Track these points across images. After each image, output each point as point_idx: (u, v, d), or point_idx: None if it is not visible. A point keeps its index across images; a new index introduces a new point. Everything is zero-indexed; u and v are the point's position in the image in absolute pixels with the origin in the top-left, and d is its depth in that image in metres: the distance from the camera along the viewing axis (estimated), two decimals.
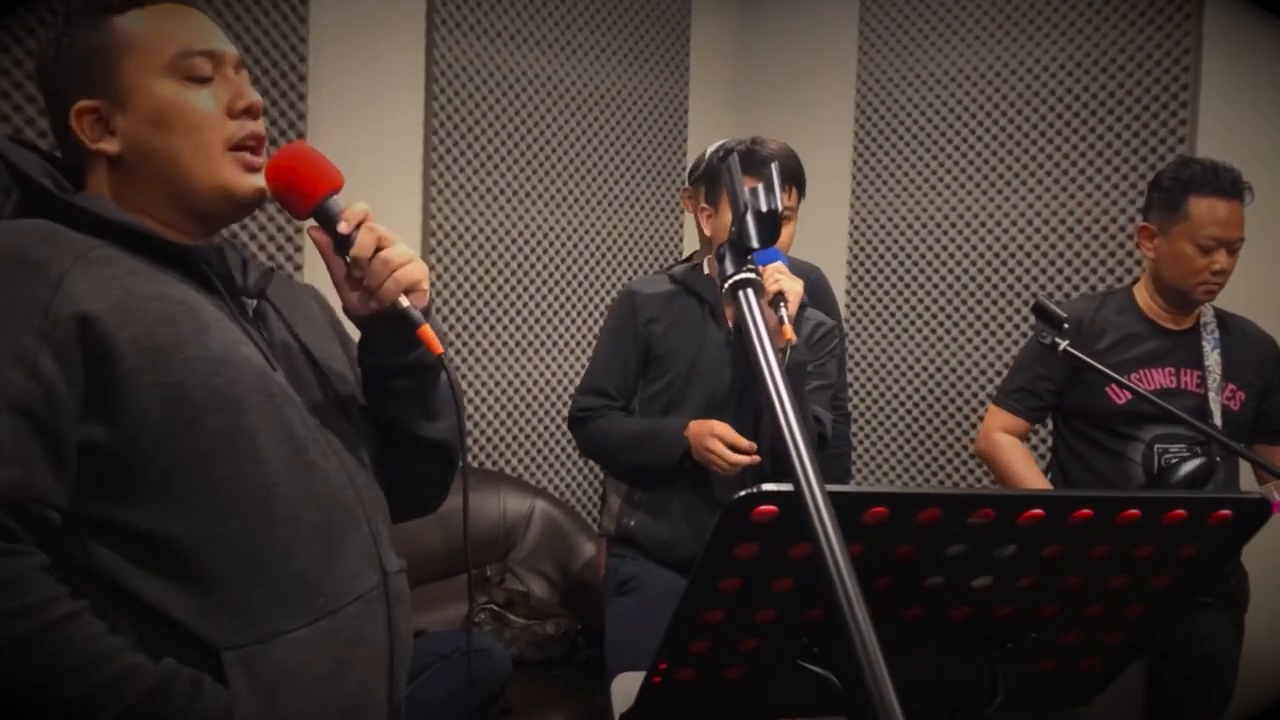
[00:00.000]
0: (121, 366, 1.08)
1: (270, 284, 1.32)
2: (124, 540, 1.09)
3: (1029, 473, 2.47)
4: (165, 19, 1.21)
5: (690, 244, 3.91)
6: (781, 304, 1.99)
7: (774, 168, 1.03)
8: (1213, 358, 2.41)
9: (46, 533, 1.05)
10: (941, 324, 3.76)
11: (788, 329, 1.96)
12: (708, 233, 2.33)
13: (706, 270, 2.32)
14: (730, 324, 2.25)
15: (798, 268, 2.91)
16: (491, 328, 3.57)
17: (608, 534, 2.51)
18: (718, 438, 2.10)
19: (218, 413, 1.13)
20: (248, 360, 1.18)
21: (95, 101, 1.18)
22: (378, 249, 1.22)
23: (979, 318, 3.68)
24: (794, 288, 2.03)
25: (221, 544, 1.12)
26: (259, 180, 1.22)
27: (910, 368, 3.84)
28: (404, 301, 1.23)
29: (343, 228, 1.22)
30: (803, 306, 2.30)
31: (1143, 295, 2.47)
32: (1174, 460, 2.35)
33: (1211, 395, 2.39)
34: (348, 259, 1.23)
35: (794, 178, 2.24)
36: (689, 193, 2.74)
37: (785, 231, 2.22)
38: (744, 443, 2.10)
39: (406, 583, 1.34)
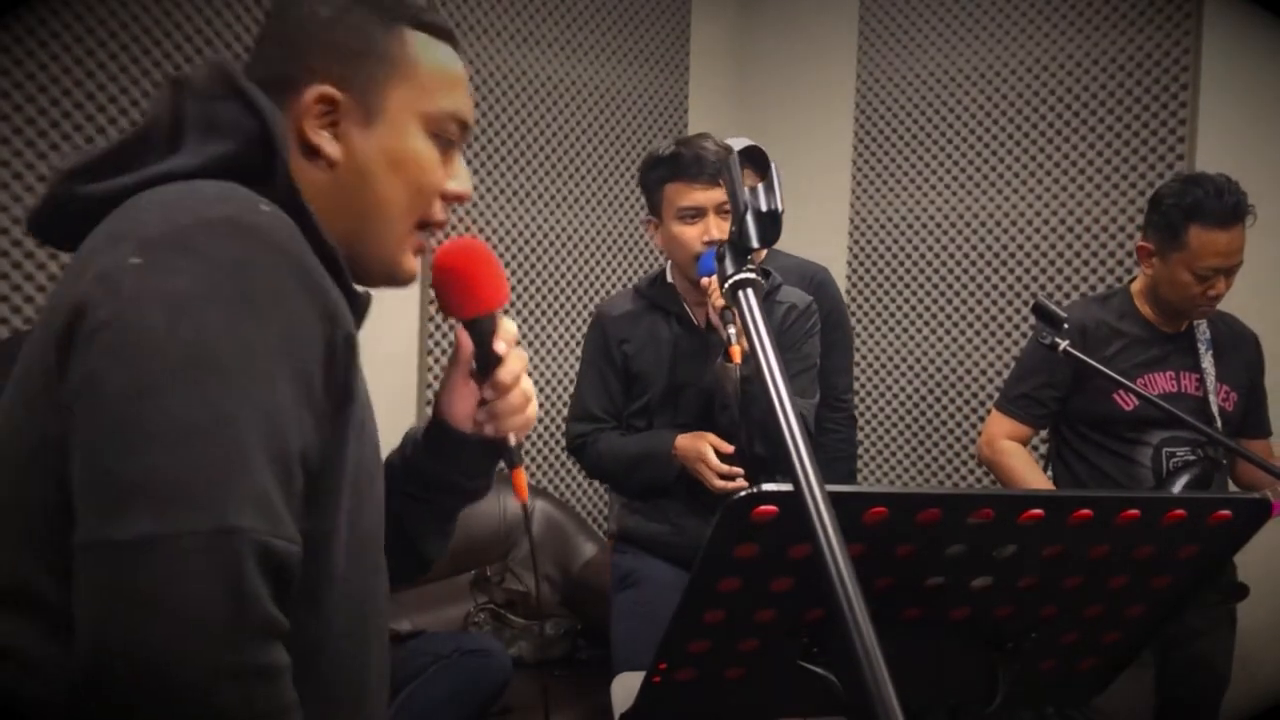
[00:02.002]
0: (348, 429, 0.91)
1: None
2: None
3: (1038, 480, 2.46)
4: (449, 67, 1.05)
5: None
6: (731, 320, 1.92)
7: (774, 168, 1.03)
8: (1207, 360, 2.41)
9: None
10: (941, 324, 3.75)
11: (735, 349, 1.91)
12: (657, 245, 2.28)
13: (670, 278, 2.27)
14: (701, 324, 2.21)
15: (804, 269, 2.90)
16: None
17: (612, 533, 2.50)
18: (704, 462, 2.11)
19: (373, 510, 0.98)
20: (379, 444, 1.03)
21: (341, 96, 0.99)
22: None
23: (979, 317, 3.68)
24: None
25: (333, 662, 0.94)
26: (416, 267, 1.08)
27: (910, 367, 3.83)
28: (514, 438, 1.16)
29: (500, 348, 1.13)
30: (776, 288, 2.27)
31: (1140, 299, 2.47)
32: (1179, 464, 2.36)
33: (1211, 397, 2.39)
34: (486, 375, 1.14)
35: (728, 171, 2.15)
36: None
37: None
38: (724, 468, 2.10)
39: None
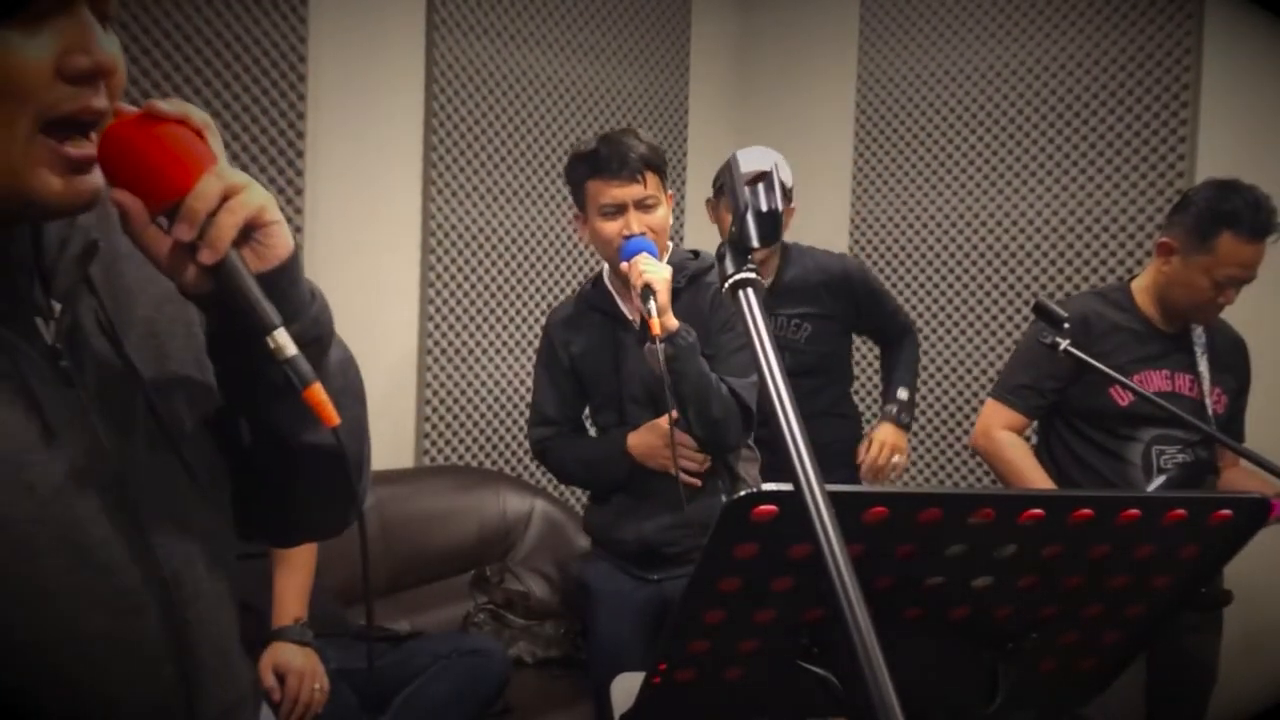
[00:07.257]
0: None
1: (89, 266, 0.88)
2: None
3: (1036, 473, 2.46)
4: None
5: (690, 244, 3.91)
6: (651, 297, 1.98)
7: (775, 166, 1.03)
8: (1203, 363, 2.42)
9: None
10: (941, 323, 3.76)
11: (654, 323, 1.96)
12: (583, 240, 2.37)
13: (606, 280, 2.32)
14: (635, 320, 2.24)
15: (826, 261, 2.92)
16: (491, 327, 3.57)
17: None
18: (664, 450, 2.14)
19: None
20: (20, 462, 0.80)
21: None
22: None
23: (979, 317, 3.68)
24: (660, 276, 2.01)
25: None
26: (87, 182, 0.80)
27: None
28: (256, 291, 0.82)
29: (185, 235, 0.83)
30: (706, 269, 2.28)
31: (1141, 296, 2.46)
32: (1169, 462, 2.36)
33: (1207, 400, 2.39)
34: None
35: (648, 164, 2.16)
36: (711, 203, 2.90)
37: (652, 218, 2.17)
38: (693, 445, 2.15)
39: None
